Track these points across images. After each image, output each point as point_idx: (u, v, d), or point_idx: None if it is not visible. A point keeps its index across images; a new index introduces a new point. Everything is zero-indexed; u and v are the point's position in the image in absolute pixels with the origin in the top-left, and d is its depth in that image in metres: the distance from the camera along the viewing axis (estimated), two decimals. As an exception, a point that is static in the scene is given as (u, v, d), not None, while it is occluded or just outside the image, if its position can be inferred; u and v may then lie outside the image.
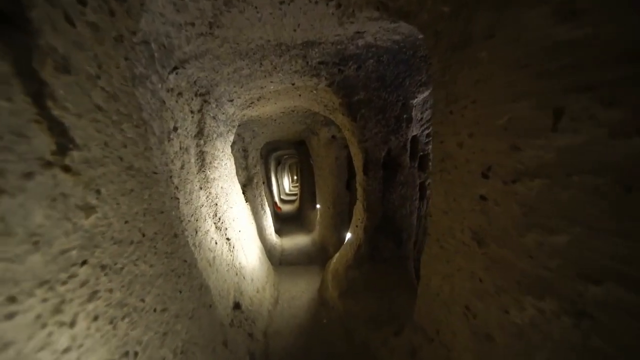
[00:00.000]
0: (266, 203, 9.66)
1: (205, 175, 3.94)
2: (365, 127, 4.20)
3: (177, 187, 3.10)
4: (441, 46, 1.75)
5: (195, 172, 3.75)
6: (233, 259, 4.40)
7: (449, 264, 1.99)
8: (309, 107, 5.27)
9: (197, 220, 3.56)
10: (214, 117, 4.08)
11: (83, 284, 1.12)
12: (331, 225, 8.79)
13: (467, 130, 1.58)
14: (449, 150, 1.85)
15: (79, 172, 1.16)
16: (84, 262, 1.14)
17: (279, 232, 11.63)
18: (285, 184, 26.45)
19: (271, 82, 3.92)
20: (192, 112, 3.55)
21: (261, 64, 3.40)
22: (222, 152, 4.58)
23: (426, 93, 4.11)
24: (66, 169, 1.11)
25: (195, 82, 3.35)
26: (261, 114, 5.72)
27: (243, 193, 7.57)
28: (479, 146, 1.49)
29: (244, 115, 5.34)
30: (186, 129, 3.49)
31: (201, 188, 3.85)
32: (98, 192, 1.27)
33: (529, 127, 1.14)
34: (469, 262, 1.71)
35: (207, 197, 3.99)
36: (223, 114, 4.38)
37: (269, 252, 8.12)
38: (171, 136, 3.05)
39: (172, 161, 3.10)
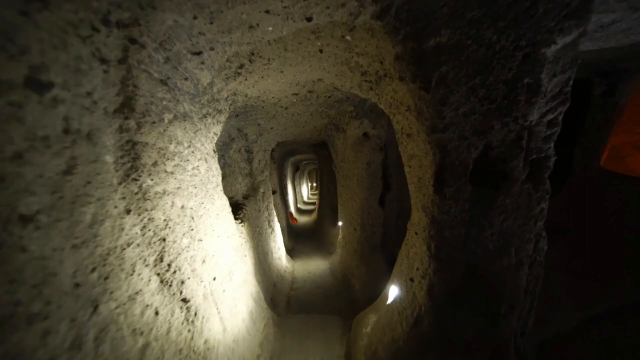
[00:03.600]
0: (276, 219, 7.77)
1: (141, 186, 2.09)
2: (446, 103, 2.18)
3: (34, 219, 1.26)
4: None
5: (116, 182, 1.90)
6: (193, 336, 2.49)
7: None
8: (335, 80, 3.33)
9: (105, 279, 1.73)
10: (162, 82, 2.25)
11: None
12: (357, 252, 6.71)
13: None
14: None
15: None
16: None
17: (291, 252, 9.68)
18: (304, 192, 24.59)
19: (267, 12, 2.04)
20: (101, 59, 1.72)
21: (238, -53, 1.53)
22: (188, 147, 2.73)
23: (575, 33, 2.03)
24: None
25: (90, -18, 1.52)
26: (263, 94, 3.87)
27: (243, 208, 5.73)
28: None
29: (234, 94, 3.49)
30: (88, 93, 1.66)
31: (129, 211, 2.00)
32: None
33: None
34: None
35: (144, 227, 2.13)
36: (186, 79, 2.55)
37: (275, 286, 6.17)
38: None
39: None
